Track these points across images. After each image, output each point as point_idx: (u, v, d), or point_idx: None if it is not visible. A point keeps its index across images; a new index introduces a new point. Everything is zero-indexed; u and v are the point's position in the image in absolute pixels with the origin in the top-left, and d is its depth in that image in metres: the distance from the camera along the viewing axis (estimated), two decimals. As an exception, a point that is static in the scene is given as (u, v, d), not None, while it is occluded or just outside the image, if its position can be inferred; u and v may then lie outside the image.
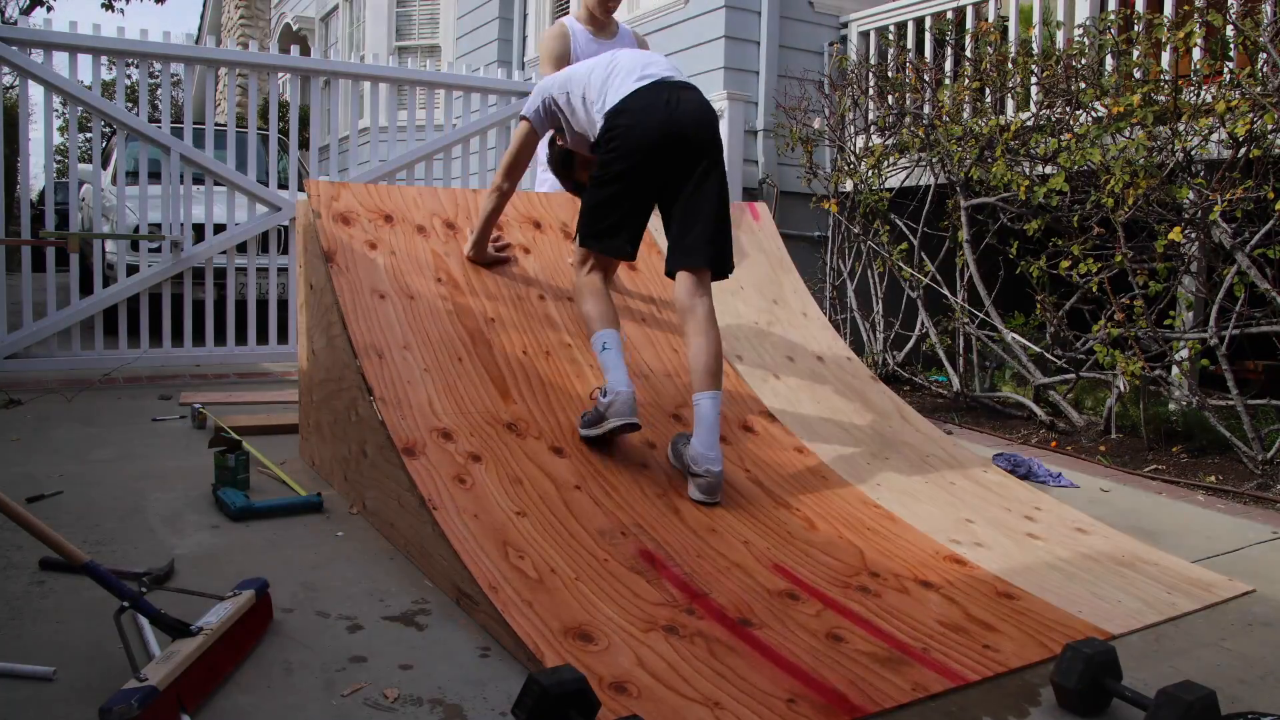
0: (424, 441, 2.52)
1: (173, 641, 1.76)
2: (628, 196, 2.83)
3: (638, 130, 2.74)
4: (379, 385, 2.65)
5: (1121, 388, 4.22)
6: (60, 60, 5.00)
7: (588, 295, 2.89)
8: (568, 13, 8.09)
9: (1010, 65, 4.95)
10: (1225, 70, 3.97)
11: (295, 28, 13.68)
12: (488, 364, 2.91)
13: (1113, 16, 4.48)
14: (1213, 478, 3.62)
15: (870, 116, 5.86)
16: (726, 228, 2.86)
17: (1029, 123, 4.73)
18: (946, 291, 5.21)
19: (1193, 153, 3.98)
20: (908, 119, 5.55)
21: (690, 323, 2.81)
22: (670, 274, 2.88)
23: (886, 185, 5.61)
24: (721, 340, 2.86)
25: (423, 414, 2.62)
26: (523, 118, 3.04)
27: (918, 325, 5.41)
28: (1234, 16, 3.92)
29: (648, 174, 2.80)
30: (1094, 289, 4.29)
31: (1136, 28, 4.34)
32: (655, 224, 3.51)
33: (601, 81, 2.85)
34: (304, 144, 10.02)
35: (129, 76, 5.24)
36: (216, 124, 7.11)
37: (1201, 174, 4.02)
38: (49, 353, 5.05)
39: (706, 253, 2.80)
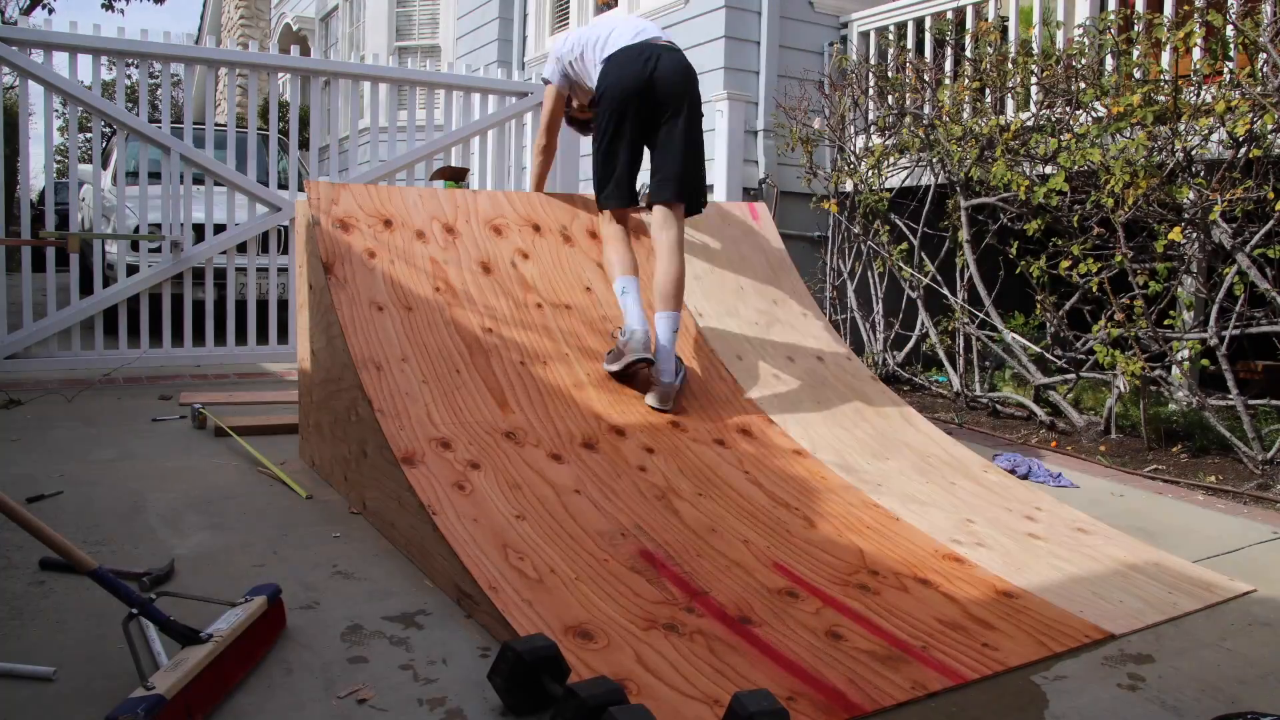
0: (423, 451, 2.52)
1: (182, 648, 1.73)
2: (618, 141, 3.29)
3: (619, 80, 3.23)
4: (378, 397, 2.65)
5: (1121, 388, 4.22)
6: (60, 60, 5.00)
7: (610, 242, 3.38)
8: (568, 13, 8.13)
9: (1010, 65, 4.95)
10: (1225, 70, 3.97)
11: (295, 28, 13.67)
12: (485, 375, 2.92)
13: (1113, 16, 4.48)
14: (1213, 478, 3.62)
15: (870, 116, 5.86)
16: (696, 168, 3.33)
17: (1029, 123, 4.72)
18: (946, 291, 5.21)
19: (1193, 153, 3.98)
20: (908, 119, 5.54)
21: (656, 252, 3.31)
22: (649, 207, 3.38)
23: (886, 185, 5.61)
24: (684, 268, 3.31)
25: (421, 425, 2.62)
26: (546, 81, 3.57)
27: (918, 325, 5.41)
28: (1234, 16, 3.92)
29: (629, 119, 3.25)
30: (1094, 289, 4.29)
31: (1136, 28, 4.33)
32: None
33: (605, 39, 3.36)
34: (304, 144, 10.01)
35: (129, 76, 5.24)
36: (216, 124, 7.12)
37: (1201, 174, 4.02)
38: (49, 353, 5.05)
39: (674, 187, 3.29)
